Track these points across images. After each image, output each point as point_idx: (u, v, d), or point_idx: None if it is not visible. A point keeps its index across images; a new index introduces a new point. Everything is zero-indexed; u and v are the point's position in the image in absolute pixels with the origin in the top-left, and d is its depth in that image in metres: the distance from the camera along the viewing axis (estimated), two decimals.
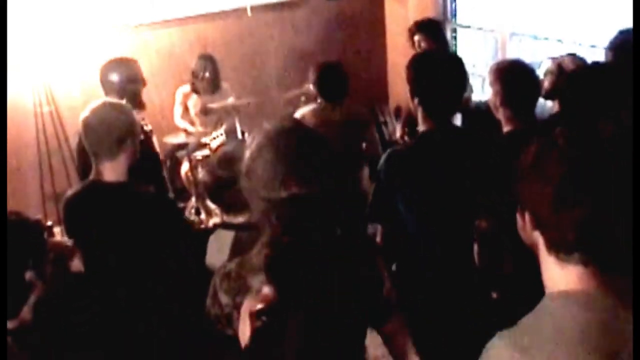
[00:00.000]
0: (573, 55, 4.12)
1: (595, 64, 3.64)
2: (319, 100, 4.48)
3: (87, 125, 2.93)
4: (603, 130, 1.44)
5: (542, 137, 1.48)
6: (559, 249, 1.46)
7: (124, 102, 3.23)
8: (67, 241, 2.45)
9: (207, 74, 6.05)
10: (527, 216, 1.50)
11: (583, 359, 1.39)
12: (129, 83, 4.12)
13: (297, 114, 4.39)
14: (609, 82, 2.54)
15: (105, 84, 4.11)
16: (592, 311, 1.42)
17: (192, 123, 6.21)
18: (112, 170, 2.92)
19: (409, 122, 5.23)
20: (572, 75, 2.99)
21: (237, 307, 1.80)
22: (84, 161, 3.87)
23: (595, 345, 1.39)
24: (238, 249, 2.53)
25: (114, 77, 4.10)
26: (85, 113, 2.97)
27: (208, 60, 6.08)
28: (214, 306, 1.89)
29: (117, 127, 2.95)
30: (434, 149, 2.77)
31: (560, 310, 1.45)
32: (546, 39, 5.68)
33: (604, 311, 1.42)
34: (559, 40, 5.45)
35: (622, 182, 1.39)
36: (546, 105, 4.19)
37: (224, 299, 1.86)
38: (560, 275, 1.48)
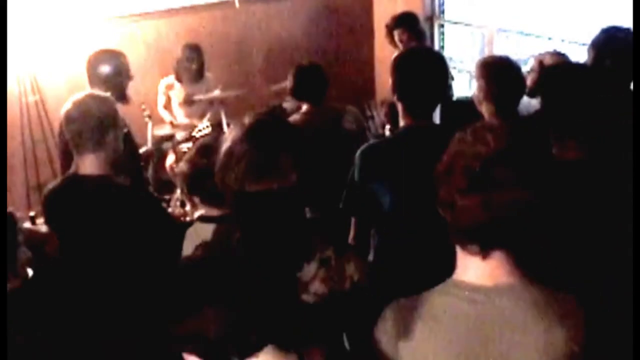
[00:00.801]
0: (554, 52, 4.12)
1: (575, 62, 3.66)
2: (304, 107, 4.45)
3: (69, 117, 2.90)
4: (509, 128, 1.48)
5: (460, 131, 1.51)
6: (456, 235, 1.49)
7: (108, 94, 3.20)
8: (43, 228, 2.45)
9: (193, 64, 6.00)
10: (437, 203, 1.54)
11: (445, 348, 1.47)
12: (116, 76, 4.07)
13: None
14: (586, 79, 2.55)
15: (92, 75, 4.06)
16: (471, 304, 1.47)
17: (174, 114, 6.19)
18: (93, 164, 2.91)
19: (393, 117, 5.24)
20: (549, 71, 3.00)
21: None
22: (66, 153, 3.88)
23: (464, 340, 1.46)
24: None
25: (102, 69, 4.04)
26: (67, 105, 2.94)
27: (194, 49, 6.02)
28: None
29: (100, 120, 2.91)
30: (411, 144, 2.77)
31: (445, 299, 1.51)
32: (534, 35, 5.69)
33: (483, 307, 1.46)
34: (547, 38, 5.46)
35: (525, 180, 1.41)
36: (531, 103, 4.20)
37: None
38: (462, 264, 1.53)
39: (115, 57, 4.17)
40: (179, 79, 6.09)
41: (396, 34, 5.57)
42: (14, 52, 5.65)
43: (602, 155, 2.31)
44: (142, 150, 4.73)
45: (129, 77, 4.19)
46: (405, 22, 5.57)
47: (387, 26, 5.68)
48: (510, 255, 1.48)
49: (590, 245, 2.15)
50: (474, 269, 1.49)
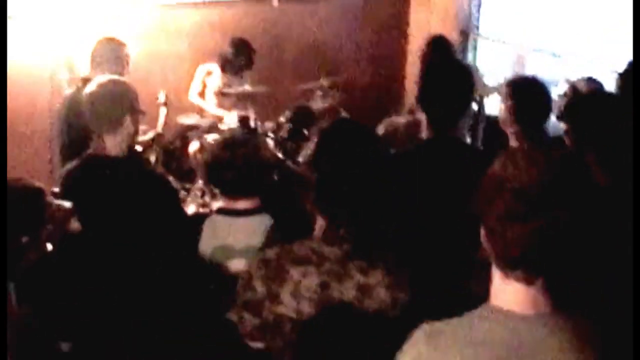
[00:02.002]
0: (589, 78, 4.10)
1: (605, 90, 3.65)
2: None
3: (94, 98, 3.02)
4: (557, 154, 1.47)
5: (504, 154, 1.50)
6: (503, 263, 1.48)
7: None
8: (66, 203, 2.49)
9: (239, 59, 5.99)
10: (482, 228, 1.52)
11: None
12: (113, 64, 4.26)
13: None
14: (612, 110, 2.54)
15: (93, 60, 4.32)
16: (514, 333, 1.44)
17: (206, 102, 6.21)
18: (112, 145, 3.01)
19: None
20: (579, 99, 3.00)
21: (271, 296, 1.85)
22: (67, 135, 3.98)
23: None
24: (274, 238, 2.58)
25: (102, 56, 4.30)
26: (90, 87, 3.06)
27: (243, 44, 6.01)
28: (246, 291, 1.92)
29: (122, 103, 3.06)
30: (430, 157, 2.78)
31: (483, 324, 1.48)
32: (567, 57, 5.67)
33: (528, 334, 1.44)
34: (580, 60, 5.44)
35: (574, 208, 1.41)
36: (560, 125, 4.18)
37: (259, 286, 1.88)
38: (501, 290, 1.50)
39: (115, 46, 4.40)
40: (223, 68, 6.08)
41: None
42: (49, 33, 5.72)
43: (627, 183, 2.30)
44: (148, 134, 4.79)
45: (124, 66, 4.36)
46: (439, 48, 5.54)
47: (422, 52, 5.67)
48: (550, 283, 1.48)
49: (612, 271, 2.15)
50: (515, 296, 1.47)
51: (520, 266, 1.45)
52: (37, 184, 2.35)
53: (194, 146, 5.80)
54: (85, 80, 4.18)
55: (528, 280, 1.45)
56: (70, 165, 3.13)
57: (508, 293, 1.49)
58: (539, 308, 1.46)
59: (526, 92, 3.28)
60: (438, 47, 5.52)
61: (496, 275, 1.51)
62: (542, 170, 1.42)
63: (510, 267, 1.46)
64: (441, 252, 2.58)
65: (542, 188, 1.40)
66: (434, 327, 1.54)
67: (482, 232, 1.52)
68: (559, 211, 1.40)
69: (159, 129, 5.17)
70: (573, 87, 4.00)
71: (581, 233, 1.43)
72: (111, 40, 4.41)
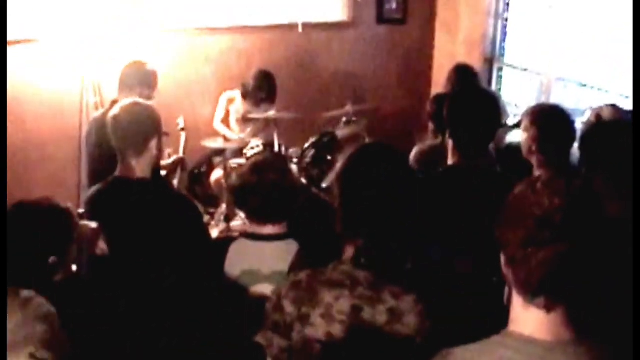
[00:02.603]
0: (613, 106, 4.09)
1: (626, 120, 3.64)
2: None
3: (119, 121, 3.07)
4: (578, 182, 1.47)
5: (525, 181, 1.51)
6: (525, 289, 1.48)
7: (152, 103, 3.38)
8: (93, 224, 2.52)
9: (262, 92, 6.01)
10: (502, 255, 1.53)
11: None
12: (141, 87, 4.31)
13: None
14: (626, 137, 2.53)
15: (122, 83, 4.36)
16: (530, 359, 1.44)
17: (231, 129, 6.26)
18: (137, 168, 3.05)
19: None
20: (598, 126, 2.99)
21: (301, 318, 1.86)
22: (98, 159, 4.04)
23: None
24: (302, 262, 2.59)
25: (130, 79, 4.34)
26: (115, 110, 3.11)
27: (265, 79, 6.02)
28: (275, 313, 1.92)
29: (146, 126, 3.10)
30: (458, 183, 2.78)
31: (503, 351, 1.48)
32: (592, 87, 5.66)
33: None
34: (605, 91, 5.43)
35: (594, 233, 1.42)
36: None
37: (289, 307, 1.88)
38: (522, 317, 1.50)
39: (145, 70, 4.45)
40: (244, 97, 6.13)
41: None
42: (79, 56, 5.82)
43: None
44: (172, 158, 4.84)
45: (152, 89, 4.41)
46: (464, 75, 5.56)
47: (447, 79, 5.69)
48: (571, 310, 1.48)
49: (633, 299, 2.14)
50: (535, 322, 1.48)
51: (542, 293, 1.45)
52: (66, 204, 2.38)
53: (216, 174, 5.83)
54: (114, 103, 4.25)
55: (549, 307, 1.46)
56: (96, 187, 3.17)
57: (528, 320, 1.49)
58: (559, 335, 1.47)
59: (549, 120, 3.28)
60: (463, 74, 5.53)
61: (516, 301, 1.52)
62: (564, 197, 1.44)
63: (531, 293, 1.47)
64: (464, 278, 2.58)
65: (564, 214, 1.41)
66: (454, 354, 1.55)
67: (503, 258, 1.52)
68: (581, 238, 1.41)
69: (181, 153, 5.23)
70: (597, 115, 3.99)
71: (603, 260, 1.43)
72: (141, 64, 4.47)
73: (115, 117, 3.08)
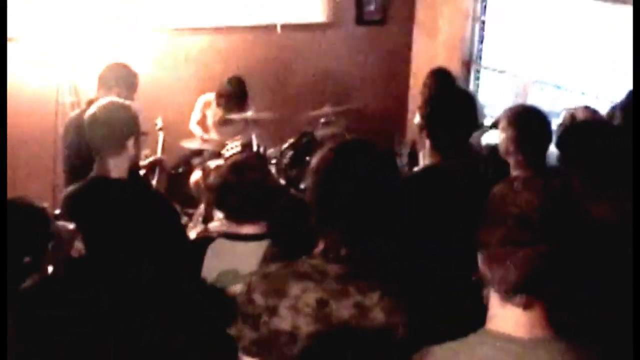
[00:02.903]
0: (587, 107, 4.13)
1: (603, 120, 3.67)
2: None
3: (96, 121, 3.03)
4: (556, 182, 1.49)
5: (504, 181, 1.52)
6: (503, 288, 1.49)
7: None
8: (69, 225, 2.50)
9: (233, 99, 6.01)
10: (479, 254, 1.54)
11: None
12: (121, 88, 4.28)
13: None
14: (609, 140, 2.56)
15: (101, 84, 4.33)
16: (508, 356, 1.46)
17: (207, 131, 6.23)
18: (114, 168, 3.02)
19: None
20: (573, 127, 3.02)
21: (268, 309, 1.84)
22: (74, 159, 4.01)
23: None
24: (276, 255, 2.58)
25: (110, 80, 4.31)
26: (92, 109, 3.08)
27: (237, 85, 6.04)
28: (246, 305, 1.91)
29: (123, 125, 3.08)
30: (438, 182, 2.79)
31: (482, 349, 1.49)
32: (569, 89, 5.71)
33: (524, 358, 1.45)
34: (581, 93, 5.48)
35: (573, 233, 1.44)
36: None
37: (259, 299, 1.87)
38: (500, 315, 1.52)
39: (126, 71, 4.43)
40: (218, 104, 6.11)
41: None
42: (55, 56, 5.78)
43: (625, 217, 2.31)
44: (150, 158, 4.80)
45: (132, 91, 4.39)
46: (442, 78, 5.58)
47: (425, 82, 5.71)
48: (549, 308, 1.49)
49: (611, 296, 2.16)
50: (513, 320, 1.49)
51: (520, 291, 1.46)
52: (41, 203, 2.36)
53: (195, 175, 5.81)
54: (91, 103, 4.22)
55: (527, 305, 1.47)
56: (73, 187, 3.14)
57: (506, 317, 1.50)
58: (537, 333, 1.48)
59: (527, 120, 3.30)
60: (440, 77, 5.56)
61: (494, 299, 1.53)
62: (542, 197, 1.45)
63: (510, 292, 1.48)
64: (441, 276, 2.59)
65: (542, 214, 1.43)
66: (433, 352, 1.56)
67: (481, 257, 1.53)
68: (560, 237, 1.42)
69: (159, 153, 5.19)
70: (571, 116, 4.02)
71: (581, 259, 1.45)
72: (122, 65, 4.44)
73: (92, 116, 3.05)
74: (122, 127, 3.06)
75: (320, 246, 1.90)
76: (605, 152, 2.44)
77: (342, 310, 1.82)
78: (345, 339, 1.81)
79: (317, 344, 1.80)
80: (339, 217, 1.85)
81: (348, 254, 1.85)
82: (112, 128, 3.03)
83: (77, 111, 4.60)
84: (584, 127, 3.04)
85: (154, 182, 4.81)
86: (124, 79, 4.32)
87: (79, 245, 2.50)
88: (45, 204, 2.38)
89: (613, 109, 3.94)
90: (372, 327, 1.82)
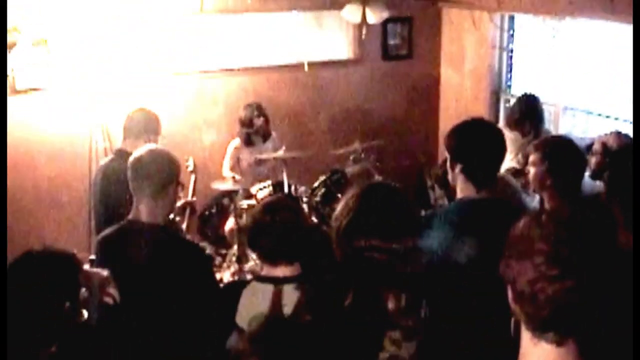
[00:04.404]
0: (618, 133, 4.08)
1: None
2: None
3: (140, 165, 3.05)
4: (585, 213, 1.46)
5: (529, 214, 1.49)
6: (534, 325, 1.45)
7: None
8: (103, 271, 2.50)
9: (256, 121, 6.04)
10: (509, 290, 1.50)
11: None
12: (145, 132, 4.30)
13: None
14: None
15: (126, 129, 4.37)
16: None
17: (242, 175, 6.21)
18: (151, 211, 3.02)
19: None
20: (615, 155, 2.97)
21: None
22: (104, 205, 4.03)
23: None
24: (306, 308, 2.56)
25: (134, 126, 4.34)
26: (139, 151, 3.10)
27: (255, 106, 6.08)
28: None
29: (167, 171, 3.08)
30: (472, 215, 2.76)
31: None
32: (600, 115, 5.66)
33: None
34: (614, 118, 5.42)
35: (602, 266, 1.39)
36: (595, 184, 4.14)
37: None
38: (532, 352, 1.48)
39: (149, 116, 4.44)
40: (246, 143, 6.13)
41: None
42: (88, 101, 5.87)
43: None
44: (181, 201, 4.81)
45: (157, 134, 4.40)
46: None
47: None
48: (581, 344, 1.45)
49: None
50: (545, 357, 1.46)
51: (551, 328, 1.43)
52: (70, 250, 2.36)
53: (230, 223, 5.80)
54: (119, 152, 4.26)
55: (559, 342, 1.44)
56: (107, 231, 3.15)
57: (538, 355, 1.47)
58: None
59: (561, 153, 3.27)
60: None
61: (525, 336, 1.49)
62: (570, 229, 1.42)
63: (540, 328, 1.45)
64: (479, 315, 2.54)
65: (571, 248, 1.39)
66: None
67: (510, 293, 1.50)
68: (590, 271, 1.39)
69: (190, 196, 5.21)
70: (603, 144, 3.97)
71: (608, 292, 1.41)
72: (144, 110, 4.47)
73: (137, 160, 3.07)
74: (166, 172, 3.07)
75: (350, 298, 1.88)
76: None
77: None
78: None
79: None
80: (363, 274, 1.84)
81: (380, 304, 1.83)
82: (157, 173, 3.04)
83: (107, 159, 4.64)
84: (625, 155, 2.99)
85: (184, 224, 4.84)
86: (148, 126, 4.34)
87: (113, 292, 2.50)
88: (76, 251, 2.38)
89: None
90: None
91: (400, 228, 1.87)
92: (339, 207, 1.95)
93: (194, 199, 5.20)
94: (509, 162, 4.75)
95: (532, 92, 5.51)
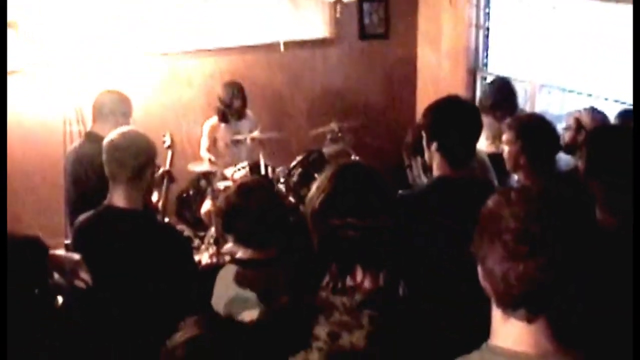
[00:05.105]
0: (592, 109, 4.09)
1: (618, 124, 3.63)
2: None
3: (115, 147, 2.99)
4: (558, 190, 1.45)
5: (500, 192, 1.48)
6: (504, 303, 1.45)
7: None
8: (75, 255, 2.47)
9: (235, 101, 6.01)
10: (479, 269, 1.49)
11: None
12: (114, 115, 4.22)
13: None
14: (630, 144, 2.50)
15: (96, 111, 4.30)
16: None
17: (219, 156, 6.17)
18: (127, 195, 2.97)
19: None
20: (595, 131, 2.98)
21: None
22: (74, 190, 3.97)
23: None
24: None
25: (104, 108, 4.27)
26: (113, 135, 3.04)
27: (235, 87, 6.05)
28: None
29: (141, 156, 3.03)
30: (449, 194, 2.76)
31: None
32: (576, 92, 5.66)
33: None
34: (589, 95, 5.43)
35: (575, 243, 1.39)
36: (570, 159, 4.16)
37: None
38: (503, 329, 1.48)
39: (119, 98, 4.36)
40: (223, 120, 6.11)
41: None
42: (61, 83, 5.79)
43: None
44: (159, 171, 4.76)
45: (128, 117, 4.31)
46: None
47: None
48: (552, 321, 1.45)
49: (615, 308, 2.10)
50: (516, 335, 1.45)
51: (522, 305, 1.42)
52: (36, 235, 2.33)
53: (206, 205, 5.77)
54: (89, 135, 4.19)
55: (529, 319, 1.43)
56: (84, 216, 3.10)
57: (509, 332, 1.46)
58: (541, 347, 1.44)
59: (535, 131, 3.27)
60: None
61: (496, 314, 1.49)
62: (539, 207, 1.41)
63: (511, 306, 1.44)
64: (454, 293, 2.54)
65: (541, 225, 1.39)
66: None
67: (480, 272, 1.49)
68: (561, 248, 1.38)
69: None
70: (576, 119, 3.98)
71: (582, 269, 1.40)
72: (113, 92, 4.38)
73: (111, 144, 3.01)
74: (141, 154, 3.02)
75: (327, 278, 1.87)
76: (626, 157, 2.38)
77: (356, 342, 1.78)
78: None
79: None
80: (339, 252, 1.83)
81: (357, 283, 1.82)
82: (133, 155, 2.99)
83: (77, 142, 4.57)
84: (604, 131, 2.99)
85: (160, 203, 4.80)
86: (118, 108, 4.25)
87: (84, 277, 2.46)
88: (51, 236, 2.35)
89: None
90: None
91: (375, 206, 1.86)
92: (313, 188, 1.93)
93: (171, 168, 5.17)
94: (486, 147, 4.76)
95: (505, 76, 5.52)
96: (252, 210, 2.72)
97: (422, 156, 4.90)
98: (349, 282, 1.84)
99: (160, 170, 4.83)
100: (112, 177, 2.99)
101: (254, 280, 2.66)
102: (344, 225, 1.80)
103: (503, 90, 5.21)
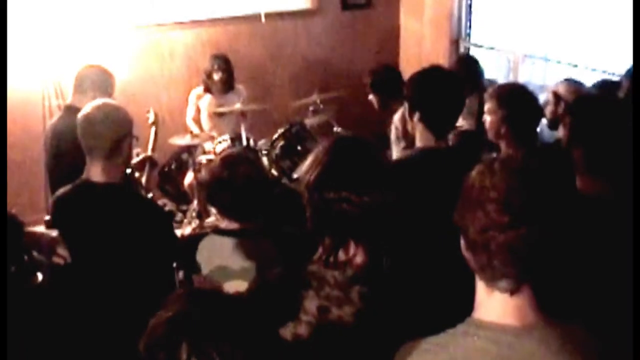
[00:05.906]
0: (567, 80, 4.08)
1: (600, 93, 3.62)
2: None
3: (90, 121, 2.93)
4: (540, 160, 1.44)
5: (482, 162, 1.47)
6: (487, 274, 1.44)
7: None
8: (52, 232, 2.43)
9: (220, 74, 5.97)
10: (462, 239, 1.49)
11: None
12: (96, 91, 4.09)
13: None
14: (615, 113, 2.49)
15: (76, 85, 4.17)
16: (498, 346, 1.41)
17: (203, 126, 6.15)
18: (105, 170, 2.92)
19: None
20: (577, 101, 2.96)
21: None
22: (55, 165, 3.92)
23: None
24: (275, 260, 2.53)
25: (85, 82, 4.15)
26: (87, 109, 2.98)
27: (221, 59, 6.00)
28: None
29: (120, 127, 2.97)
30: (432, 164, 2.75)
31: (470, 340, 1.44)
32: (559, 62, 5.66)
33: (516, 347, 1.40)
34: (573, 65, 5.43)
35: (557, 212, 1.38)
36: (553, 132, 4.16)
37: None
38: (486, 302, 1.47)
39: (100, 72, 4.24)
40: (207, 90, 6.08)
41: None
42: (40, 58, 5.71)
43: (625, 194, 2.25)
44: (140, 156, 4.71)
45: (109, 95, 4.15)
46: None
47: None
48: (536, 292, 1.44)
49: (601, 277, 2.11)
50: (500, 307, 1.44)
51: (504, 277, 1.41)
52: (10, 211, 2.30)
53: (189, 177, 5.74)
54: (68, 108, 4.12)
55: (512, 291, 1.42)
56: (61, 191, 3.05)
57: (492, 305, 1.46)
58: (525, 319, 1.43)
59: (517, 100, 3.26)
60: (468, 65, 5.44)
61: (480, 287, 1.48)
62: (522, 177, 1.40)
63: (493, 277, 1.43)
64: (438, 266, 2.54)
65: (523, 196, 1.38)
66: (416, 346, 1.51)
67: (463, 243, 1.48)
68: (541, 219, 1.37)
69: (150, 151, 5.11)
70: (554, 93, 3.98)
71: (565, 240, 1.40)
72: (95, 67, 4.28)
73: (86, 118, 2.94)
74: (119, 128, 2.96)
75: (319, 251, 1.85)
76: (609, 126, 2.37)
77: (345, 317, 1.78)
78: (347, 344, 1.77)
79: (319, 351, 1.76)
80: (332, 224, 1.81)
81: (349, 258, 1.81)
82: (108, 129, 2.92)
83: (56, 116, 4.50)
84: (586, 99, 2.98)
85: (144, 179, 4.76)
86: (99, 82, 4.16)
87: (63, 253, 2.43)
88: (31, 212, 2.32)
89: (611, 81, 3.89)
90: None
91: (370, 180, 1.84)
92: (307, 161, 1.91)
93: (154, 154, 5.11)
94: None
95: (470, 55, 5.56)
96: (237, 181, 2.71)
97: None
98: (341, 256, 1.82)
99: (142, 156, 4.78)
100: (88, 151, 2.93)
101: (250, 250, 2.66)
102: (339, 199, 1.78)
103: (469, 67, 5.24)
